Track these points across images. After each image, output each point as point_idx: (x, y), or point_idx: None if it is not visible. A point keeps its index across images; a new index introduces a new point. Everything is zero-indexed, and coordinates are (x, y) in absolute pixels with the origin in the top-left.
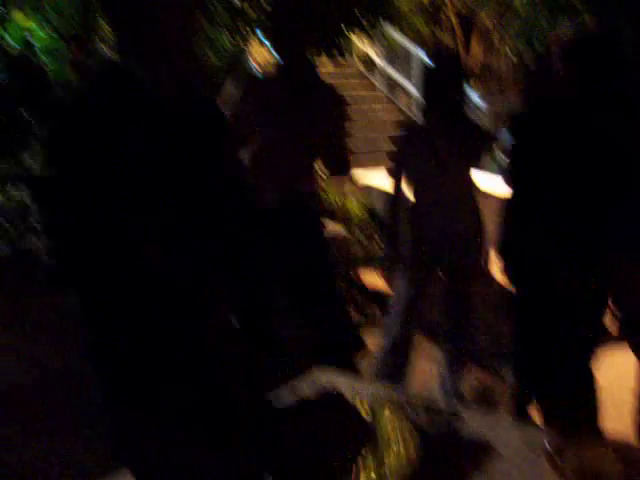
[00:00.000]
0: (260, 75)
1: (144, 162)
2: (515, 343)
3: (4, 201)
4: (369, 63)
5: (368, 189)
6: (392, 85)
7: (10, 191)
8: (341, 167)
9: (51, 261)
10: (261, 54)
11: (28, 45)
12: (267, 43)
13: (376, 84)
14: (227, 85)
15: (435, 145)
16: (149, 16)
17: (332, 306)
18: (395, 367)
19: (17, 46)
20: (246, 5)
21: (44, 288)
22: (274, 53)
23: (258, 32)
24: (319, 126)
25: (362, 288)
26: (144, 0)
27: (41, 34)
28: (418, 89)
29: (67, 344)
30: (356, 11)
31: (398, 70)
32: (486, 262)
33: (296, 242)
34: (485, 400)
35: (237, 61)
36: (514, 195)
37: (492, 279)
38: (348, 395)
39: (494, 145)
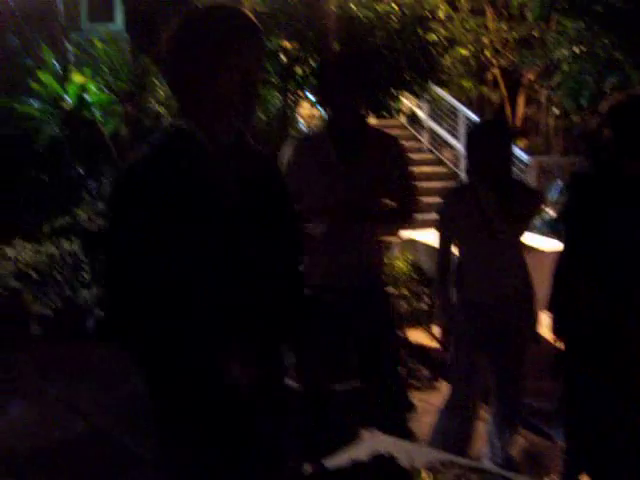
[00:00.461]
0: (313, 135)
1: (204, 221)
2: (566, 406)
3: (57, 254)
4: (415, 119)
5: (415, 245)
6: (438, 141)
7: (63, 244)
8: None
9: (103, 313)
10: (310, 113)
11: (83, 101)
12: (317, 104)
13: (422, 140)
14: (284, 148)
15: (482, 204)
16: (207, 79)
17: (386, 368)
18: (454, 433)
19: (72, 102)
20: (297, 67)
21: (93, 341)
22: (323, 113)
23: (307, 92)
24: (384, 186)
25: (409, 345)
26: (201, 65)
27: (95, 91)
28: (464, 146)
29: (114, 398)
30: (407, 75)
31: (444, 126)
32: (535, 323)
33: (363, 316)
34: (536, 464)
35: (287, 120)
36: (566, 253)
37: (542, 339)
38: (403, 460)
39: (541, 203)
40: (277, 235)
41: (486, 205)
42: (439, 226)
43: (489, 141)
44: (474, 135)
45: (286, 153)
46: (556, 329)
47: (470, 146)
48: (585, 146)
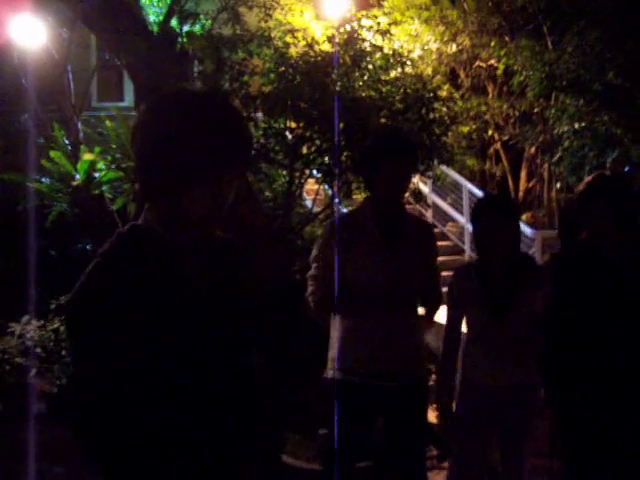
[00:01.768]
0: (355, 214)
1: (169, 318)
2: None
3: (63, 330)
4: (418, 194)
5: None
6: (442, 215)
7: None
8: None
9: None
10: (314, 189)
11: (91, 178)
12: (324, 183)
13: (426, 215)
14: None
15: (489, 283)
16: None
17: (415, 450)
18: None
19: (81, 179)
20: (303, 146)
21: None
22: (328, 189)
23: (314, 171)
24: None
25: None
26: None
27: (104, 168)
28: (468, 220)
29: None
30: None
31: (447, 201)
32: (540, 406)
33: (402, 402)
34: None
35: (292, 196)
36: (552, 331)
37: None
38: None
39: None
40: (243, 330)
41: (494, 284)
42: (449, 303)
43: (496, 216)
44: (480, 210)
45: (327, 229)
46: (548, 400)
47: (476, 221)
48: (561, 225)
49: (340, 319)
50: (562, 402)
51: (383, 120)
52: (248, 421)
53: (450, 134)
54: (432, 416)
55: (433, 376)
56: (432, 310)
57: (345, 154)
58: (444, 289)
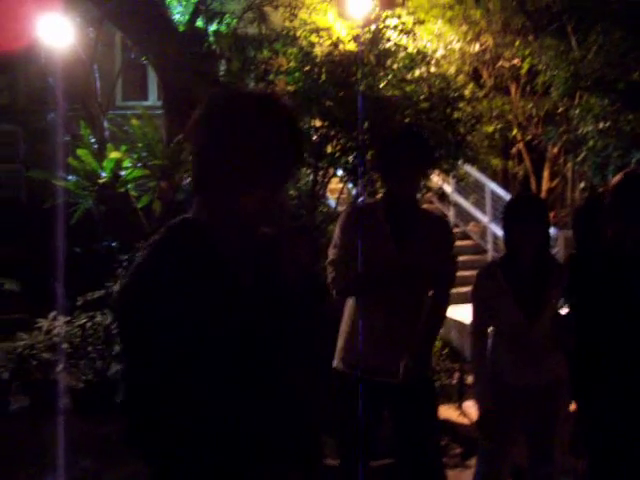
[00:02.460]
0: (367, 205)
1: (221, 311)
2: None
3: (89, 327)
4: (442, 195)
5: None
6: (464, 216)
7: (96, 318)
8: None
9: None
10: (337, 188)
11: (117, 176)
12: (348, 182)
13: (448, 214)
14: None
15: (518, 281)
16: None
17: (429, 445)
18: None
19: (107, 177)
20: (328, 145)
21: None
22: (351, 188)
23: (338, 170)
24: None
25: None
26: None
27: (129, 164)
28: (490, 220)
29: (140, 470)
30: (435, 153)
31: (470, 200)
32: (568, 406)
33: (410, 398)
34: None
35: (316, 195)
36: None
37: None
38: None
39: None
40: (296, 319)
41: (523, 283)
42: (474, 303)
43: (528, 216)
44: (512, 210)
45: (340, 220)
46: (575, 394)
47: (508, 221)
48: (578, 224)
49: (350, 311)
50: (587, 401)
51: (408, 119)
52: (296, 420)
53: (474, 134)
54: (455, 415)
55: (456, 374)
56: (442, 293)
57: (370, 153)
58: (467, 289)
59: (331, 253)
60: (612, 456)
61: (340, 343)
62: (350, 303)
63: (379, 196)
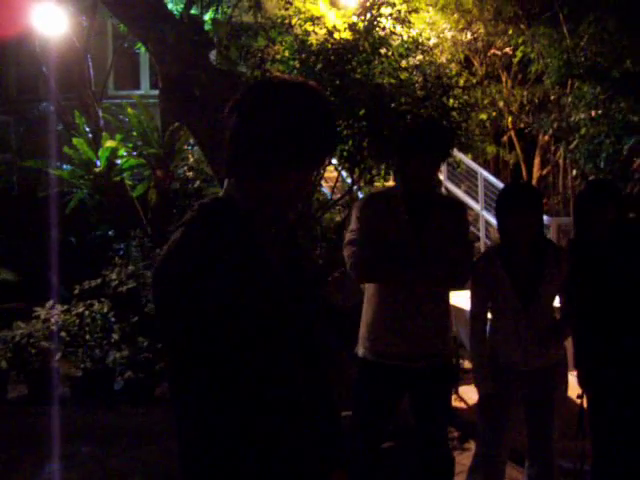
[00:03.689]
0: (386, 192)
1: (263, 298)
2: (598, 465)
3: (87, 315)
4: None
5: None
6: None
7: (93, 306)
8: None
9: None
10: (332, 176)
11: (112, 165)
12: (344, 170)
13: None
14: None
15: (515, 268)
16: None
17: (440, 427)
18: None
19: (102, 166)
20: None
21: (121, 400)
22: (343, 176)
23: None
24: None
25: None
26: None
27: (124, 153)
28: (483, 208)
29: (144, 456)
30: None
31: (462, 188)
32: (566, 389)
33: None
34: None
35: (313, 185)
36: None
37: (571, 401)
38: None
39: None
40: (312, 306)
41: (519, 269)
42: (473, 289)
43: (523, 204)
44: (506, 198)
45: (358, 206)
46: (582, 381)
47: (502, 209)
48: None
49: (371, 300)
50: (592, 384)
51: (404, 107)
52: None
53: (469, 122)
54: (452, 399)
55: (452, 359)
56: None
57: (366, 141)
58: None
59: (348, 235)
60: (617, 437)
61: (363, 332)
62: (371, 292)
63: (388, 184)
